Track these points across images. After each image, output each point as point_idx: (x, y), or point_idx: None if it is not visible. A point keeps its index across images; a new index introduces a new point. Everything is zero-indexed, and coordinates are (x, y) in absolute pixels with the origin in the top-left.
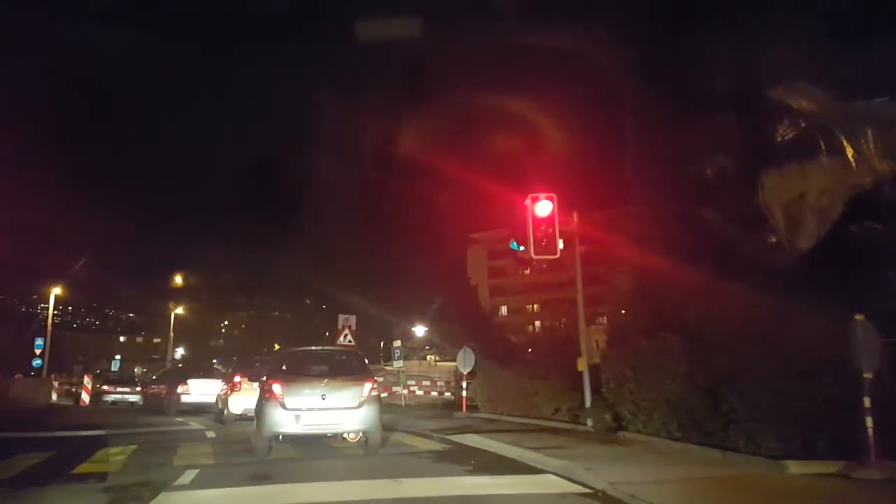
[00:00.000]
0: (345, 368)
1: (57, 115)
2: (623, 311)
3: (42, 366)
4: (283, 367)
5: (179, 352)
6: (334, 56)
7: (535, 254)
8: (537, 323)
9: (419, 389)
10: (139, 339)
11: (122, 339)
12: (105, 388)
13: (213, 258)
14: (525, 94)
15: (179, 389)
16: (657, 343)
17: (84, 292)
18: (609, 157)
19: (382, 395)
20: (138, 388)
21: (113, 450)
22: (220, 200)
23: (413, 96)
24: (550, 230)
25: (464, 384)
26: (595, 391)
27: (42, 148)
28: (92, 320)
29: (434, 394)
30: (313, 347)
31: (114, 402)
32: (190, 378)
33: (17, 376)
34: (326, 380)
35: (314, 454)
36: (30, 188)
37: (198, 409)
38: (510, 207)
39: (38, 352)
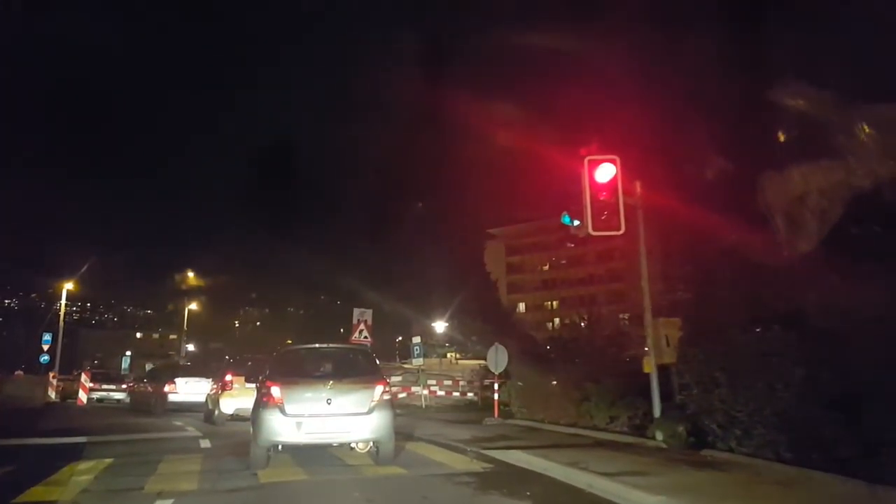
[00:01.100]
0: (353, 369)
1: (72, 114)
2: (709, 299)
3: (49, 362)
4: (284, 368)
5: (189, 347)
6: (347, 46)
7: (594, 229)
8: (556, 320)
9: (440, 389)
10: (155, 336)
11: (138, 335)
12: (91, 385)
13: (226, 255)
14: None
15: (166, 388)
16: (762, 338)
17: (102, 289)
18: (681, 116)
19: (401, 395)
20: (124, 386)
21: (83, 465)
22: (234, 198)
23: (434, 79)
24: (613, 199)
25: (496, 386)
26: (665, 397)
27: (59, 148)
28: (110, 317)
29: (456, 394)
30: (317, 345)
31: (100, 400)
32: (177, 377)
33: (17, 373)
34: (332, 382)
35: (322, 474)
36: (49, 187)
37: (185, 409)
38: (557, 176)
39: (45, 348)
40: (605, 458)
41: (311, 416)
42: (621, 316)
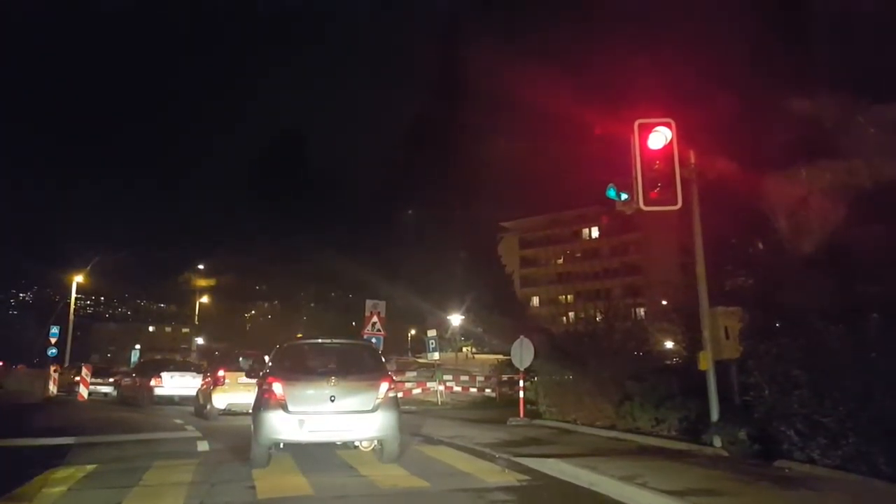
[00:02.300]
0: (357, 365)
1: (86, 111)
2: (782, 284)
3: (57, 355)
4: (286, 364)
5: (199, 341)
6: (360, 32)
7: (647, 203)
8: (571, 314)
9: (457, 385)
10: (168, 329)
11: (150, 329)
12: (76, 378)
13: (238, 250)
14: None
15: (152, 382)
16: (856, 330)
17: (115, 283)
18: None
19: (416, 391)
20: (111, 380)
21: (60, 472)
22: (247, 192)
23: (453, 58)
24: (669, 170)
25: (521, 383)
26: (721, 398)
27: (76, 144)
28: (123, 311)
29: (473, 390)
30: (320, 340)
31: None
32: (163, 371)
33: (18, 366)
34: (335, 379)
35: (329, 487)
36: (66, 183)
37: (171, 402)
38: (595, 145)
39: (53, 341)
40: (664, 471)
41: (313, 413)
42: (639, 310)
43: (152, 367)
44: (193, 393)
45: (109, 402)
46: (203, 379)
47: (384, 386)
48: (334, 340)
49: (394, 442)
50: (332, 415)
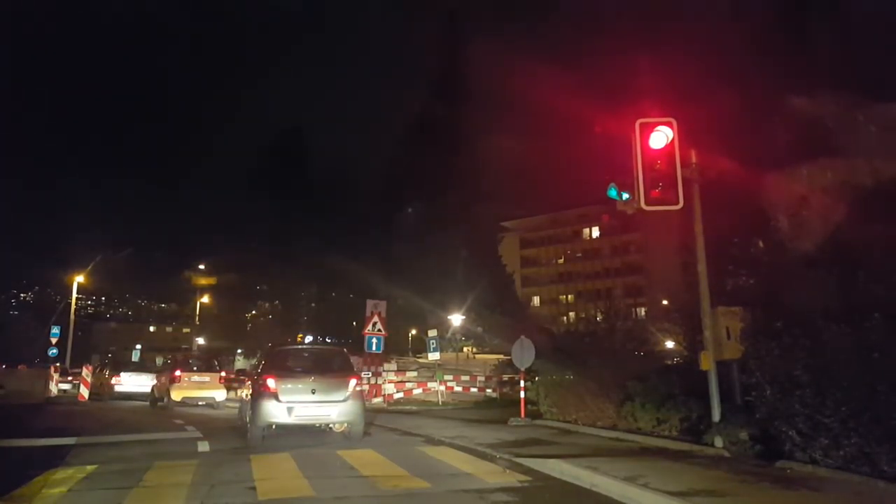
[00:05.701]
0: (331, 366)
1: (89, 111)
2: (784, 283)
3: (58, 355)
4: (277, 363)
5: (200, 341)
6: (362, 29)
7: (648, 203)
8: (572, 314)
9: (457, 385)
10: (168, 329)
11: (151, 328)
12: (56, 377)
13: (239, 250)
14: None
15: (113, 381)
16: (860, 330)
17: (117, 283)
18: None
19: (416, 391)
20: (69, 378)
21: (60, 473)
22: (248, 191)
23: (455, 56)
24: (670, 169)
25: (522, 383)
26: (726, 398)
27: (79, 144)
28: (124, 311)
29: (474, 390)
30: (301, 346)
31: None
32: (122, 371)
33: (20, 367)
34: (314, 376)
35: (330, 488)
36: (68, 183)
37: (128, 397)
38: (596, 145)
39: (53, 341)
40: (666, 472)
41: (299, 402)
42: (640, 310)
43: (112, 367)
44: (147, 390)
45: (122, 406)
46: (157, 378)
47: (352, 382)
48: (313, 346)
49: (359, 424)
50: (314, 404)
